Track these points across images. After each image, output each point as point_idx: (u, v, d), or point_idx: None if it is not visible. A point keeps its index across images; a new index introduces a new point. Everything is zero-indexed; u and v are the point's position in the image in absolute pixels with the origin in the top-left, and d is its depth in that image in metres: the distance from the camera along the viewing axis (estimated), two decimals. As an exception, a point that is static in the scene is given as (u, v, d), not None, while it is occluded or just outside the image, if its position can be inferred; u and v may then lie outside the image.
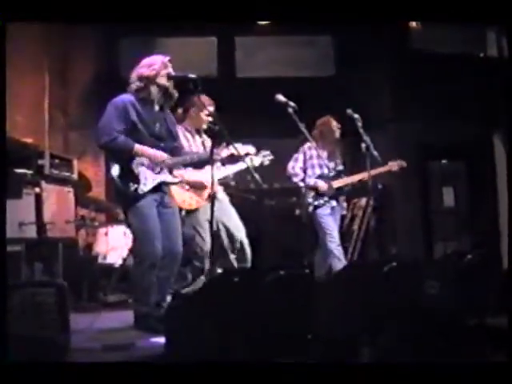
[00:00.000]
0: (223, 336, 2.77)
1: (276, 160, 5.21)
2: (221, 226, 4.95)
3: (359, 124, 5.06)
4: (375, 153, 5.04)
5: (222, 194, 5.07)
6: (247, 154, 4.78)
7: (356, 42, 8.01)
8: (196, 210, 4.89)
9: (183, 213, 4.83)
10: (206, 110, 4.72)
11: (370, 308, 3.30)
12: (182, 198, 4.77)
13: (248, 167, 4.60)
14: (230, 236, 4.97)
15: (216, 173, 4.82)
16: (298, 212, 5.93)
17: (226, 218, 4.98)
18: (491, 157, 8.58)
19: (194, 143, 4.96)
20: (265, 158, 4.97)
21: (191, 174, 4.75)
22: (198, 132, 4.97)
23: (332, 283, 3.52)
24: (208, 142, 4.93)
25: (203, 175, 4.81)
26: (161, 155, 4.14)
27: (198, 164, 4.49)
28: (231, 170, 4.97)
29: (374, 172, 5.38)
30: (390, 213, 7.65)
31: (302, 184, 5.69)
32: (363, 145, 5.04)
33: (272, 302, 2.91)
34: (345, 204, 5.98)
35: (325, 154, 5.79)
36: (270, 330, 2.87)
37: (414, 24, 8.34)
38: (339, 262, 5.49)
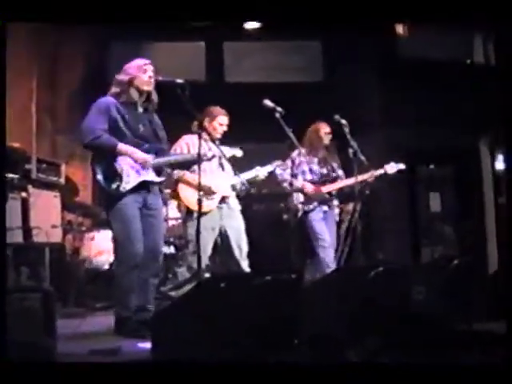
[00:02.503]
0: (210, 341, 2.77)
1: (264, 165, 5.23)
2: (223, 233, 4.94)
3: (346, 130, 5.08)
4: (363, 158, 5.06)
5: (234, 202, 5.06)
6: (233, 157, 4.82)
7: (345, 47, 8.04)
8: (204, 213, 4.85)
9: (195, 215, 4.78)
10: (219, 119, 4.94)
11: (356, 313, 3.30)
12: (194, 200, 4.75)
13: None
14: (227, 247, 4.95)
15: (228, 180, 4.99)
16: (285, 217, 5.93)
17: (229, 228, 4.95)
18: (478, 162, 8.63)
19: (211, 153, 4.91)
20: (278, 167, 5.25)
21: (203, 179, 4.73)
22: (214, 142, 4.90)
23: (319, 288, 3.53)
24: (225, 151, 4.92)
25: (214, 180, 4.87)
26: (143, 156, 4.14)
27: (184, 164, 4.51)
28: (242, 177, 4.98)
29: (369, 176, 5.42)
30: (377, 218, 7.68)
31: (289, 188, 5.68)
32: (350, 150, 5.07)
33: (259, 307, 2.92)
34: (337, 210, 5.95)
35: (315, 160, 5.80)
36: (257, 334, 2.87)
37: (402, 29, 8.39)
38: (329, 268, 5.47)
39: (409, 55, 8.44)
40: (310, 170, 5.78)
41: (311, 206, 5.68)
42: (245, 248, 4.96)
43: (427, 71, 8.03)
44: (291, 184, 5.63)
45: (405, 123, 7.96)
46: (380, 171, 5.63)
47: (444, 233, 8.66)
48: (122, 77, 4.20)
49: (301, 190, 5.68)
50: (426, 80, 7.91)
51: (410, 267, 4.25)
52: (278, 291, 3.01)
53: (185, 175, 4.91)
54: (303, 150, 5.50)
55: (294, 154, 5.66)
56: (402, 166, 5.75)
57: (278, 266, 6.27)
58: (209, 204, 4.86)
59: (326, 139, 5.78)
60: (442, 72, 8.08)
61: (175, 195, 5.10)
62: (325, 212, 5.75)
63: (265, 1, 3.51)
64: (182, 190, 4.96)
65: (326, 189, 5.74)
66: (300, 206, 5.66)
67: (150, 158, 4.16)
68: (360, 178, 5.31)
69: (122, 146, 4.09)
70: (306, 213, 5.68)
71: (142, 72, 4.17)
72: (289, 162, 5.71)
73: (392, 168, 5.70)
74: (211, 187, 4.86)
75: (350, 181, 5.55)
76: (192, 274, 4.76)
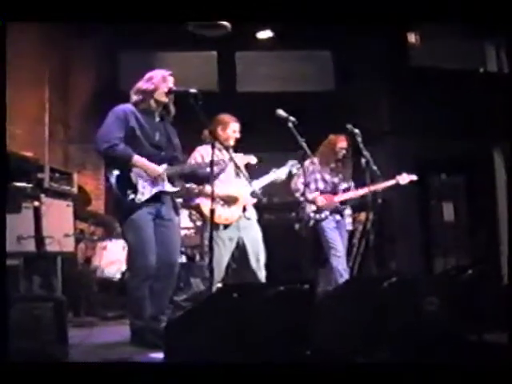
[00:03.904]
0: (222, 351, 2.75)
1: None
2: (240, 245, 4.82)
3: (359, 139, 5.05)
4: (375, 168, 5.04)
5: (252, 213, 4.95)
6: (247, 165, 4.79)
7: (356, 56, 8.05)
8: (229, 224, 4.78)
9: (221, 227, 4.73)
10: (232, 126, 4.83)
11: (369, 323, 3.28)
12: (219, 213, 4.67)
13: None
14: (244, 258, 4.84)
15: (246, 187, 4.87)
16: (297, 227, 5.89)
17: (247, 239, 4.82)
18: (491, 171, 8.59)
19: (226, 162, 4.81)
20: (293, 167, 5.05)
21: (222, 189, 4.68)
22: (227, 149, 4.84)
23: (332, 299, 3.50)
24: (237, 158, 4.82)
25: (234, 189, 4.81)
26: (156, 170, 4.13)
27: (199, 176, 4.44)
28: (259, 183, 4.92)
29: (380, 186, 5.39)
30: (389, 227, 7.64)
31: (302, 199, 5.66)
32: (363, 160, 5.04)
33: (272, 317, 2.90)
34: (350, 219, 5.92)
35: (327, 170, 5.78)
36: (270, 345, 2.85)
37: (414, 38, 8.39)
38: (341, 277, 5.44)
39: (420, 64, 8.43)
40: (323, 179, 5.76)
41: (323, 216, 5.66)
42: (263, 259, 4.87)
43: (439, 80, 8.02)
44: (303, 194, 5.59)
45: (417, 132, 7.94)
46: (392, 182, 5.61)
47: (457, 243, 8.61)
48: (147, 85, 4.18)
49: (313, 203, 5.66)
50: (439, 89, 7.90)
51: (422, 277, 4.21)
52: (291, 302, 2.99)
53: (205, 188, 4.69)
54: (315, 159, 5.46)
55: (307, 162, 5.64)
56: (414, 177, 5.73)
57: (290, 276, 6.25)
58: (233, 213, 4.81)
59: (341, 154, 5.76)
60: (455, 81, 8.06)
61: (198, 211, 4.95)
62: (337, 221, 5.73)
63: (276, 10, 3.52)
64: (205, 205, 4.67)
65: (338, 198, 5.72)
66: (312, 215, 5.64)
67: (162, 170, 4.15)
68: (372, 188, 5.28)
69: (136, 159, 4.08)
70: (317, 222, 5.66)
71: (163, 82, 4.17)
72: (301, 171, 5.68)
73: (404, 179, 5.68)
74: (236, 196, 4.80)
75: (363, 191, 5.52)
76: (207, 287, 4.71)
